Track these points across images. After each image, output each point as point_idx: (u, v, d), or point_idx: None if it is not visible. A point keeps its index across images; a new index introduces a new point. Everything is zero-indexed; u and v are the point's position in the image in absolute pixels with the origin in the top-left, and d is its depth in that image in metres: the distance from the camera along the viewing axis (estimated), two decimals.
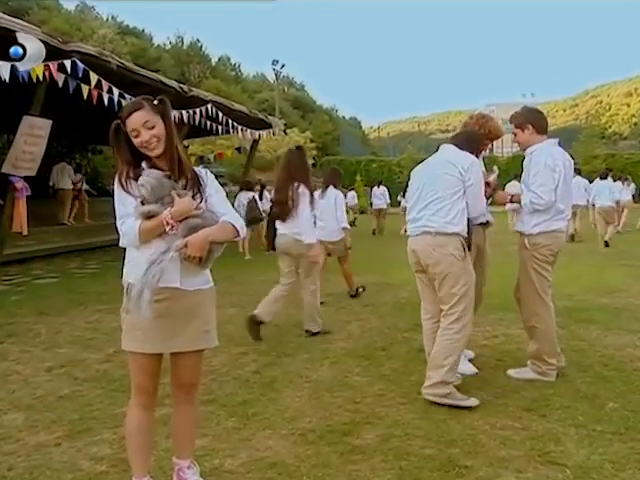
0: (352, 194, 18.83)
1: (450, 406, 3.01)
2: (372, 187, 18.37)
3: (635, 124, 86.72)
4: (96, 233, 11.66)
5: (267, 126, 13.24)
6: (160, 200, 1.95)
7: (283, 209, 4.50)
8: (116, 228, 2.00)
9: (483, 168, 3.58)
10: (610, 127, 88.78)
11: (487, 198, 3.49)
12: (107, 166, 17.07)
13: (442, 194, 3.16)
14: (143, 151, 2.00)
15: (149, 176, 1.96)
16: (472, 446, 2.59)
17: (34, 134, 7.48)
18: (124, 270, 2.05)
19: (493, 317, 5.02)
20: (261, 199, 11.47)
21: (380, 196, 16.32)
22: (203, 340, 2.09)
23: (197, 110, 9.81)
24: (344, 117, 76.64)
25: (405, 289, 6.47)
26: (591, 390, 3.26)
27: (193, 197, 2.02)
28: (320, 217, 5.13)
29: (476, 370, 3.62)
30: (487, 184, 3.49)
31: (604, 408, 3.00)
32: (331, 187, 5.97)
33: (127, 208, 1.99)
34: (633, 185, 16.02)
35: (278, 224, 4.61)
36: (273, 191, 5.08)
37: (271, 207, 5.09)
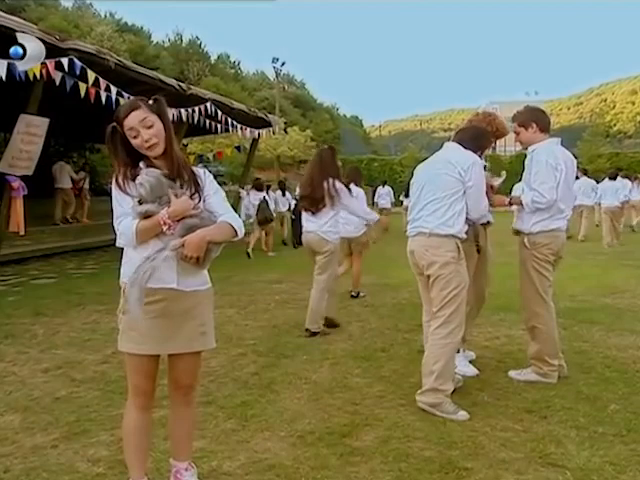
0: None
1: None
2: (374, 186, 18.36)
3: None
4: (94, 233, 11.64)
5: (267, 125, 13.19)
6: (158, 200, 1.93)
7: (316, 204, 4.61)
8: (113, 228, 1.98)
9: (489, 168, 3.53)
10: (615, 125, 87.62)
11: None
12: (105, 165, 17.03)
13: (440, 195, 3.10)
14: (143, 152, 1.97)
15: (148, 175, 1.93)
16: (472, 448, 2.57)
17: (31, 132, 7.46)
18: (121, 270, 2.03)
19: (495, 318, 4.99)
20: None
21: (385, 196, 16.42)
22: (200, 342, 2.07)
23: (196, 108, 9.77)
24: (345, 115, 76.41)
25: (406, 290, 6.44)
26: (593, 392, 3.23)
27: (191, 197, 1.99)
28: (344, 214, 5.18)
29: (477, 371, 3.60)
30: (491, 187, 3.44)
31: (606, 410, 2.97)
32: (353, 184, 6.04)
33: (124, 208, 1.97)
34: None
35: (305, 219, 4.74)
36: (300, 187, 5.18)
37: (296, 204, 5.14)
